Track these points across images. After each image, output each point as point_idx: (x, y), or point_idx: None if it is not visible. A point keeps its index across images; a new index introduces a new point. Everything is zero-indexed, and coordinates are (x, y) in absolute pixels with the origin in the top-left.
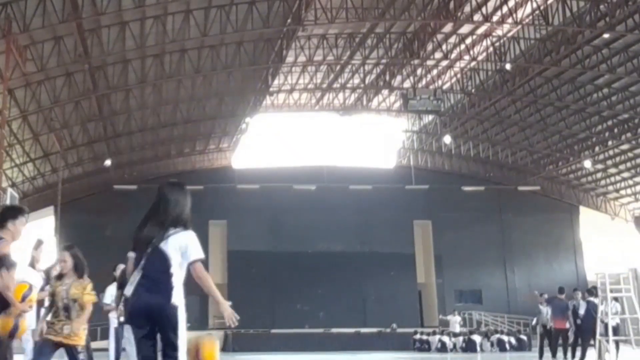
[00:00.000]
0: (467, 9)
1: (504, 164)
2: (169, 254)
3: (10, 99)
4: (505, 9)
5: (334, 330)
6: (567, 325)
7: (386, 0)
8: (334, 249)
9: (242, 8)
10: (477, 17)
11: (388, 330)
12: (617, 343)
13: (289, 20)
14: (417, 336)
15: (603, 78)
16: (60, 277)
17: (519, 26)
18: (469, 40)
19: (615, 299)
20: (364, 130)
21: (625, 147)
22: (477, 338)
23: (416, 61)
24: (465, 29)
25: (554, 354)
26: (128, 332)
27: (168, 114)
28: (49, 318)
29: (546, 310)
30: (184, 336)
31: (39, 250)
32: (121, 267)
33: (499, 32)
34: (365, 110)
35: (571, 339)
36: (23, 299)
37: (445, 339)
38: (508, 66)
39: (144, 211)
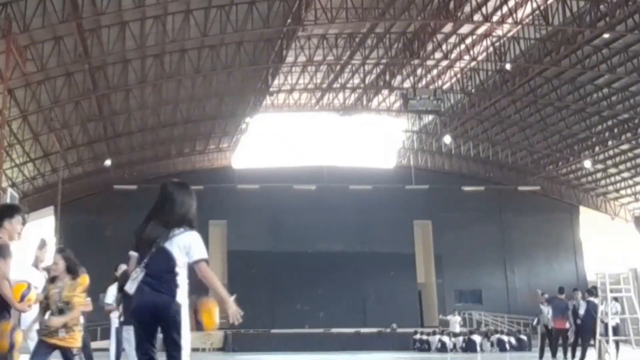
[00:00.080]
0: (467, 9)
1: (504, 164)
2: (174, 253)
3: (10, 99)
4: (505, 9)
5: (334, 330)
6: (567, 325)
7: (386, 0)
8: (334, 249)
9: (242, 8)
10: (477, 17)
11: (388, 330)
12: (617, 343)
13: (289, 20)
14: (417, 336)
15: (603, 78)
16: (53, 279)
17: (519, 26)
18: (469, 40)
19: (615, 299)
20: (364, 130)
21: (625, 147)
22: (477, 338)
23: (416, 61)
24: (465, 29)
25: (554, 354)
26: (127, 333)
27: (168, 114)
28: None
29: (547, 310)
30: (187, 336)
31: (44, 251)
32: (122, 267)
33: (499, 32)
34: (365, 110)
35: (571, 339)
36: (22, 299)
37: (445, 339)
38: (508, 66)
39: (144, 211)
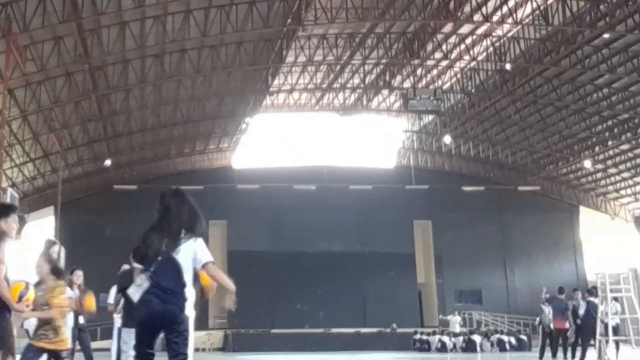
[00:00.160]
0: (467, 9)
1: (504, 164)
2: (182, 263)
3: (10, 99)
4: (505, 9)
5: (334, 330)
6: (567, 325)
7: (386, 0)
8: (334, 249)
9: (242, 8)
10: (477, 17)
11: (388, 330)
12: (617, 343)
13: (289, 20)
14: (417, 336)
15: (603, 78)
16: (39, 283)
17: (519, 26)
18: (469, 40)
19: (615, 299)
20: (364, 130)
21: (625, 147)
22: (477, 338)
23: (416, 61)
24: (465, 29)
25: (554, 354)
26: (127, 336)
27: (168, 114)
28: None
29: (548, 310)
30: (192, 346)
31: (52, 251)
32: (125, 267)
33: (499, 32)
34: (365, 110)
35: (571, 339)
36: (20, 299)
37: (445, 339)
38: (508, 66)
39: (144, 211)
